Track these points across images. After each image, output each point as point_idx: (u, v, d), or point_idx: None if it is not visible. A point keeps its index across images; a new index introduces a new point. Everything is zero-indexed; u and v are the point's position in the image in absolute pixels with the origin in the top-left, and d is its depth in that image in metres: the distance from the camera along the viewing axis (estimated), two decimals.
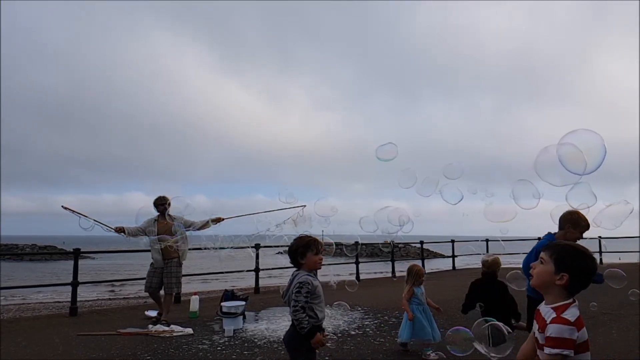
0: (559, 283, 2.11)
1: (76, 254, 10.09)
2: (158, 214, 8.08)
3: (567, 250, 2.19)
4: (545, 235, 4.72)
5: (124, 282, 19.60)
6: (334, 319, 8.18)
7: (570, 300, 2.11)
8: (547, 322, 2.05)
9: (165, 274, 7.96)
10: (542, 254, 2.23)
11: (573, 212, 4.58)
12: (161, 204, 8.06)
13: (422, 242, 19.50)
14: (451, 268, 19.80)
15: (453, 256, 20.08)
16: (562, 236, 4.45)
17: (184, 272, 10.95)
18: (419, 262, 19.36)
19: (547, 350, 1.99)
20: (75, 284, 9.75)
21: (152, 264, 8.03)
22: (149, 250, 8.08)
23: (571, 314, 2.05)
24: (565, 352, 1.96)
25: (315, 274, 3.59)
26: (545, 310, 2.14)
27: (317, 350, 3.51)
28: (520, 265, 4.85)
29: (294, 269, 3.59)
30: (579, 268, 2.13)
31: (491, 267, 5.57)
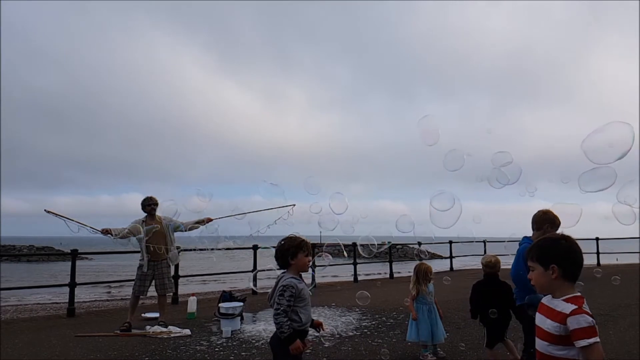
0: (554, 276, 2.16)
1: (74, 255, 10.09)
2: (146, 214, 7.99)
3: (541, 245, 2.26)
4: (523, 239, 4.61)
5: (122, 284, 19.57)
6: (332, 320, 8.20)
7: (580, 294, 2.17)
8: (568, 313, 2.08)
9: (156, 275, 7.85)
10: (529, 263, 2.29)
11: (549, 212, 4.50)
12: (148, 204, 7.96)
13: (419, 243, 19.51)
14: (449, 269, 19.81)
15: (451, 257, 20.12)
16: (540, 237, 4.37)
17: (182, 274, 10.93)
18: (416, 264, 19.37)
19: (583, 342, 2.01)
20: (72, 285, 9.75)
21: (140, 266, 7.87)
22: (139, 251, 7.96)
23: (587, 307, 2.11)
24: (598, 339, 2.03)
25: (301, 277, 3.53)
26: (556, 302, 2.18)
27: (302, 355, 3.39)
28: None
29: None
30: (560, 254, 2.19)
31: (495, 267, 5.49)
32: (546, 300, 2.26)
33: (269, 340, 3.70)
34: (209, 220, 7.90)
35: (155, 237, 7.79)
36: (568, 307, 2.09)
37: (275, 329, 3.37)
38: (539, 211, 4.55)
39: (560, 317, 2.10)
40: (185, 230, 8.13)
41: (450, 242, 19.95)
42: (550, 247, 2.21)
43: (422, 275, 5.89)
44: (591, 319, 2.05)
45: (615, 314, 8.53)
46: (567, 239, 2.24)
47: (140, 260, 7.89)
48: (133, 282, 7.90)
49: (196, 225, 7.98)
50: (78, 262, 10.29)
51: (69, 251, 10.27)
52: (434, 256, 30.63)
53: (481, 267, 5.63)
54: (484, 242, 21.05)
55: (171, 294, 8.21)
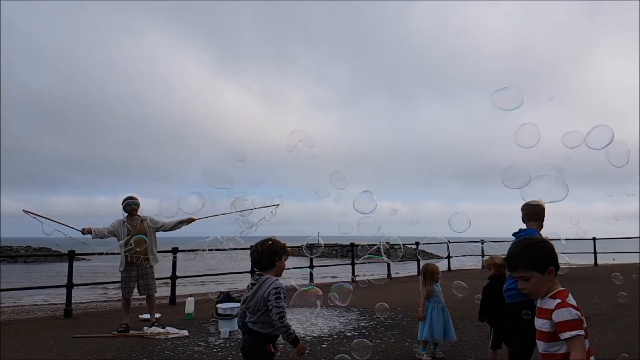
0: (551, 277, 2.18)
1: (71, 256, 10.06)
2: (126, 214, 7.88)
3: (532, 253, 2.23)
4: (523, 232, 4.42)
5: (119, 285, 19.53)
6: (330, 320, 8.19)
7: (564, 288, 2.19)
8: (553, 308, 2.11)
9: (140, 276, 7.79)
10: (522, 274, 2.23)
11: (540, 203, 4.55)
12: (129, 204, 7.84)
13: (417, 244, 19.50)
14: (447, 269, 19.72)
15: (449, 257, 20.08)
16: (539, 227, 4.43)
17: (180, 274, 10.89)
18: (414, 264, 19.38)
19: (565, 334, 2.03)
20: (70, 286, 9.72)
21: (123, 269, 7.79)
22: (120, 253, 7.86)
23: (572, 300, 2.14)
24: (581, 332, 2.04)
25: None
26: (544, 300, 2.20)
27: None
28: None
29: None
30: (550, 254, 2.22)
31: (504, 268, 5.29)
32: (538, 302, 2.27)
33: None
34: (192, 220, 7.75)
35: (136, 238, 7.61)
36: (553, 302, 2.13)
37: (243, 336, 3.35)
38: (534, 202, 4.57)
39: (548, 314, 2.13)
40: (167, 230, 8.01)
41: (449, 242, 19.77)
42: (539, 251, 2.23)
43: (429, 275, 5.87)
44: (575, 311, 2.07)
45: (612, 313, 8.54)
46: (543, 240, 2.30)
47: (120, 263, 7.79)
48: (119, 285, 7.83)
49: (179, 225, 7.87)
50: (75, 263, 10.26)
51: (66, 252, 10.23)
52: (431, 256, 30.69)
53: (487, 268, 5.39)
54: (482, 242, 21.03)
55: (154, 294, 8.04)
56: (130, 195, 7.97)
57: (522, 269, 2.23)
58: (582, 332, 2.03)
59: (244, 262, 14.12)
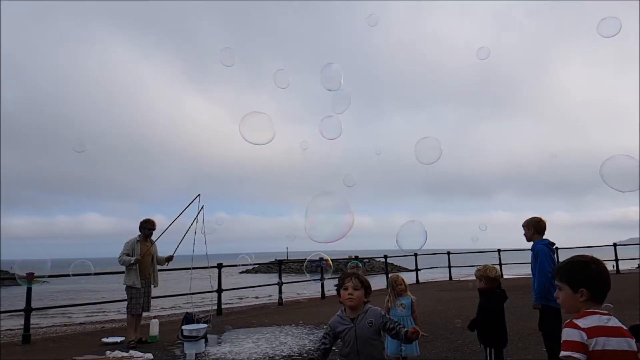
0: (583, 299, 2.14)
1: (29, 279, 9.67)
2: (140, 234, 8.35)
3: (572, 268, 2.24)
4: (544, 242, 5.16)
5: (79, 307, 18.90)
6: (299, 338, 8.09)
7: (592, 310, 2.13)
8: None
9: (145, 293, 8.19)
10: (556, 282, 2.28)
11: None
12: (150, 228, 8.43)
13: (385, 257, 19.61)
14: (415, 282, 19.80)
15: (417, 270, 20.17)
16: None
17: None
18: (382, 277, 19.45)
19: (561, 353, 2.03)
20: (28, 310, 9.33)
21: (131, 286, 8.04)
22: (114, 273, 8.03)
23: (585, 321, 2.07)
24: (576, 354, 1.99)
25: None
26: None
27: None
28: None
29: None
30: (590, 277, 2.17)
31: (497, 282, 4.85)
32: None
33: None
34: (172, 257, 8.52)
35: (145, 259, 8.19)
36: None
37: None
38: (539, 218, 5.28)
39: None
40: (159, 264, 8.58)
41: (416, 255, 19.87)
42: (580, 270, 2.20)
43: (391, 287, 5.77)
44: (575, 331, 2.04)
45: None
46: (596, 261, 2.23)
47: (127, 279, 8.07)
48: (127, 302, 8.08)
49: (166, 261, 8.53)
50: (34, 286, 9.88)
51: (24, 275, 9.83)
52: (400, 269, 30.86)
53: (478, 278, 4.88)
54: (448, 253, 21.30)
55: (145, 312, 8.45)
56: (148, 218, 8.56)
57: (557, 278, 2.26)
58: (574, 354, 1.99)
59: (204, 281, 13.83)
